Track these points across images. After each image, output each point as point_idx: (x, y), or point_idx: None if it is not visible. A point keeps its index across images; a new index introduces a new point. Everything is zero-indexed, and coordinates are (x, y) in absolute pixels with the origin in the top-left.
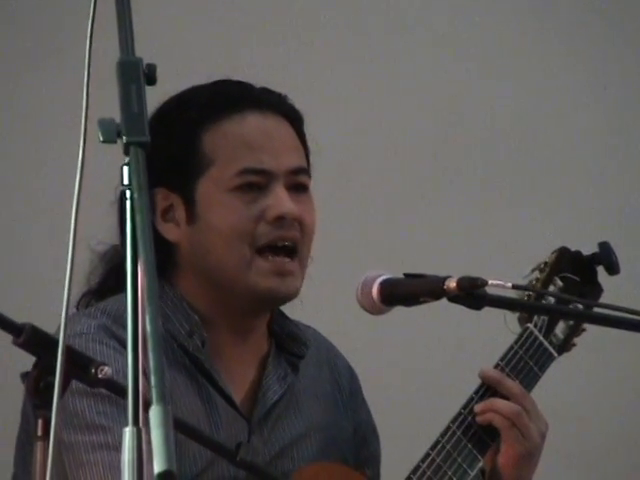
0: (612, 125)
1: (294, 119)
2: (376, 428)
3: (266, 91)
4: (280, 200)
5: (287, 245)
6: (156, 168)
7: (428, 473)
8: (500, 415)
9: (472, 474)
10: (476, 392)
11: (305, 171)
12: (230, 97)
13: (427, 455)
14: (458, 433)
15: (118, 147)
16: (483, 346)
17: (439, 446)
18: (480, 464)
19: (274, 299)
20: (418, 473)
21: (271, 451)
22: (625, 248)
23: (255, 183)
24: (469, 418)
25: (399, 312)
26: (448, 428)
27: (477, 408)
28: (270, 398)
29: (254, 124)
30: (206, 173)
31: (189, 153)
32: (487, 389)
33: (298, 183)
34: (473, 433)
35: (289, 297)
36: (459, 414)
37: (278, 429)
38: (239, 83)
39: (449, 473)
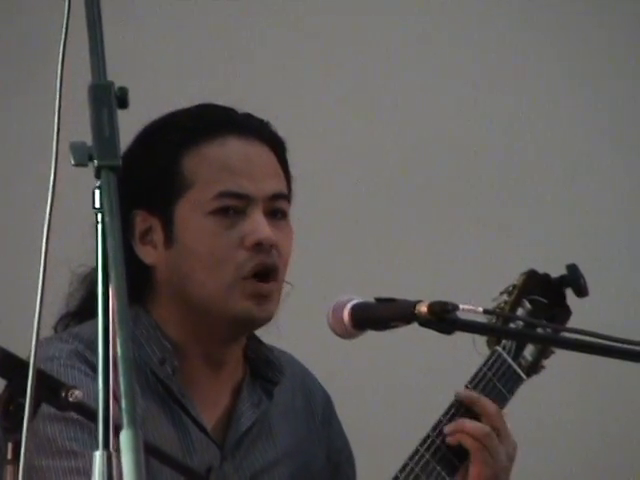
0: (580, 148)
1: (276, 145)
2: (352, 455)
3: (248, 117)
4: (258, 226)
5: (266, 271)
6: (136, 190)
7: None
8: (470, 436)
9: None
10: (445, 414)
11: (284, 197)
12: (212, 121)
13: (396, 478)
14: (427, 456)
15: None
16: (452, 368)
17: (407, 468)
18: None
19: (249, 323)
20: None
21: (242, 477)
22: (593, 271)
23: (233, 207)
24: (437, 441)
25: (370, 335)
26: (416, 451)
27: (447, 429)
28: (243, 424)
29: (235, 149)
30: (185, 195)
31: (169, 175)
32: (456, 411)
33: (277, 209)
34: (442, 455)
35: (263, 321)
36: (427, 437)
37: (250, 456)
38: (222, 108)
39: None
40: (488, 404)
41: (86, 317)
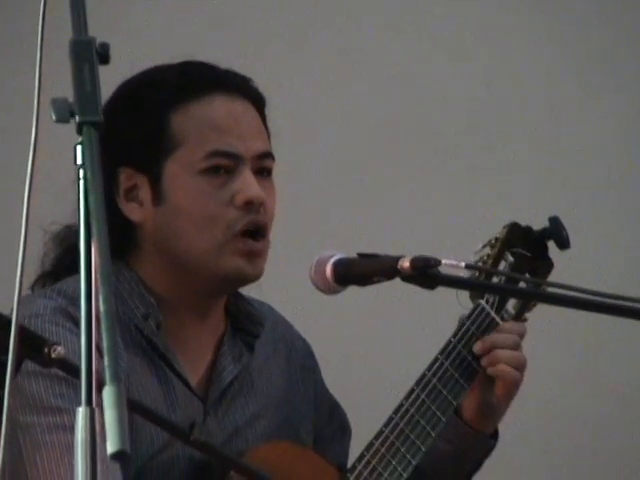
0: (564, 97)
1: (258, 102)
2: (338, 402)
3: (232, 74)
4: (248, 184)
5: (257, 229)
6: (120, 148)
7: (411, 411)
8: (510, 367)
9: (444, 421)
10: (454, 335)
11: (271, 155)
12: (198, 79)
13: (412, 391)
14: (446, 363)
15: (66, 128)
16: (435, 322)
17: (425, 380)
18: (453, 409)
19: (240, 280)
20: (390, 425)
21: (225, 432)
22: (575, 224)
23: (223, 166)
24: (459, 346)
25: (352, 292)
26: (436, 359)
27: (484, 362)
28: (225, 378)
29: (222, 107)
30: (174, 154)
31: (156, 134)
32: (464, 333)
33: (263, 167)
34: (461, 362)
35: (255, 278)
36: (449, 343)
37: (232, 410)
38: (205, 65)
39: (422, 422)
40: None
41: (61, 276)
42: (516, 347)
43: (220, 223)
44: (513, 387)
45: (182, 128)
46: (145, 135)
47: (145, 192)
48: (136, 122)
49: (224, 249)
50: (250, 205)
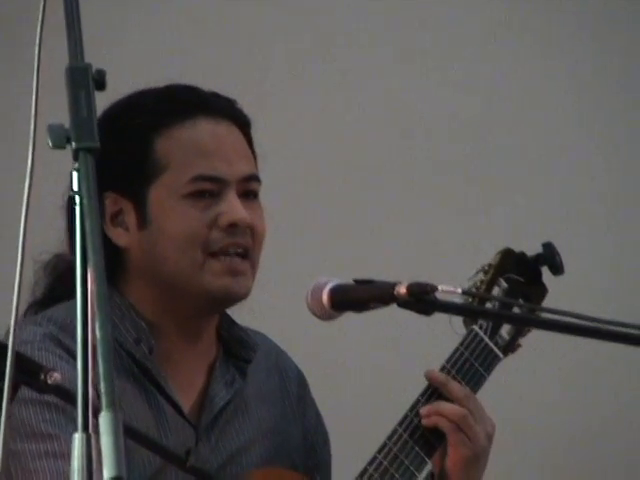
0: (556, 126)
1: (243, 124)
2: (326, 433)
3: (216, 96)
4: (233, 207)
5: (239, 252)
6: (105, 173)
7: (375, 476)
8: (445, 418)
9: (420, 476)
10: (422, 394)
11: (256, 178)
12: (181, 102)
13: (374, 458)
14: (405, 436)
15: (55, 154)
16: (429, 348)
17: (386, 449)
18: (428, 466)
19: (226, 298)
20: (365, 476)
21: (219, 458)
22: (569, 250)
23: (208, 190)
24: (415, 420)
25: (348, 317)
26: (395, 431)
27: (423, 411)
28: (217, 404)
29: (206, 130)
30: (158, 179)
31: (141, 159)
32: (434, 391)
33: (249, 190)
34: (420, 435)
35: (241, 296)
36: (406, 416)
37: (226, 435)
38: (188, 87)
39: (397, 476)
40: (456, 388)
41: (53, 304)
42: (459, 403)
43: (200, 243)
44: (458, 444)
45: (166, 152)
46: (129, 160)
47: (130, 217)
48: (120, 147)
49: (204, 268)
50: (235, 227)
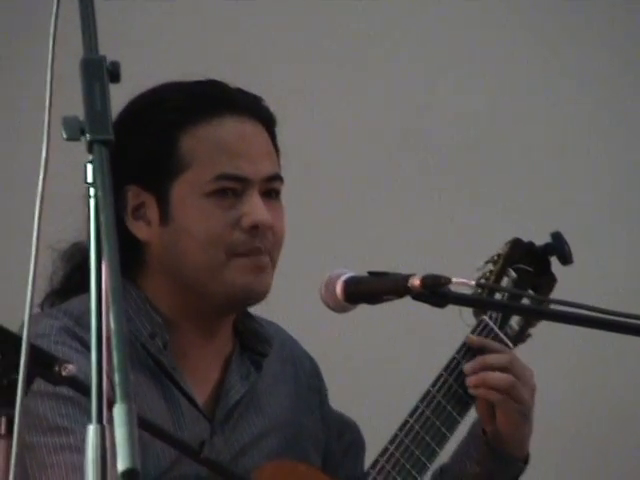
0: (564, 120)
1: (269, 123)
2: (349, 418)
3: (242, 93)
4: (256, 208)
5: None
6: (127, 166)
7: (406, 441)
8: (495, 391)
9: (451, 438)
10: (458, 352)
11: (279, 178)
12: (208, 99)
13: (406, 422)
14: (438, 396)
15: (72, 145)
16: (439, 338)
17: (418, 411)
18: (459, 427)
19: (248, 297)
20: (396, 442)
21: (232, 450)
22: (578, 239)
23: (231, 189)
24: (450, 379)
25: (363, 309)
26: (428, 392)
27: (470, 382)
28: (232, 397)
29: (232, 129)
30: (182, 175)
31: (165, 154)
32: (468, 350)
33: (272, 189)
34: (453, 395)
35: (263, 294)
36: (440, 376)
37: (239, 428)
38: (215, 83)
39: (427, 439)
40: (499, 356)
41: (70, 294)
42: (504, 368)
43: (223, 244)
44: (507, 410)
45: (191, 150)
46: (154, 155)
47: (152, 211)
48: (145, 142)
49: (226, 268)
50: (256, 229)
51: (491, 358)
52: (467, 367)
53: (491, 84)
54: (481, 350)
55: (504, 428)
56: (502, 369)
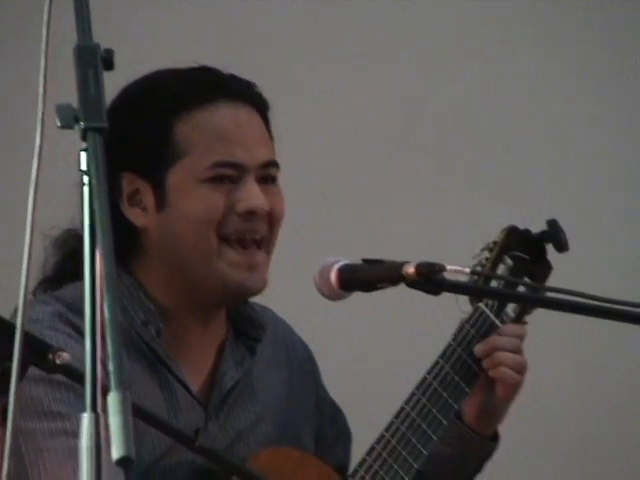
0: (561, 109)
1: (262, 108)
2: (339, 406)
3: (235, 78)
4: (252, 194)
5: (255, 238)
6: (122, 153)
7: (412, 414)
8: (510, 369)
9: (457, 408)
10: (454, 339)
11: (275, 164)
12: (202, 85)
13: (412, 395)
14: (446, 367)
15: (65, 131)
16: (434, 325)
17: (425, 383)
18: (464, 398)
19: (244, 294)
20: (402, 415)
21: (226, 437)
22: (574, 227)
23: (227, 176)
24: (459, 350)
25: (357, 296)
26: (436, 363)
27: (485, 365)
28: (226, 384)
29: (227, 115)
30: (178, 163)
31: (161, 142)
32: (464, 337)
33: (268, 175)
34: (461, 366)
35: (258, 291)
36: (448, 346)
37: (233, 415)
38: (208, 69)
39: (434, 411)
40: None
41: (64, 280)
42: (517, 349)
43: (217, 226)
44: (513, 389)
45: (187, 137)
46: (148, 142)
47: (148, 198)
48: (139, 129)
49: (220, 254)
50: (252, 215)
51: (503, 340)
52: (478, 349)
53: (486, 73)
54: (483, 336)
55: (498, 404)
56: (515, 351)
